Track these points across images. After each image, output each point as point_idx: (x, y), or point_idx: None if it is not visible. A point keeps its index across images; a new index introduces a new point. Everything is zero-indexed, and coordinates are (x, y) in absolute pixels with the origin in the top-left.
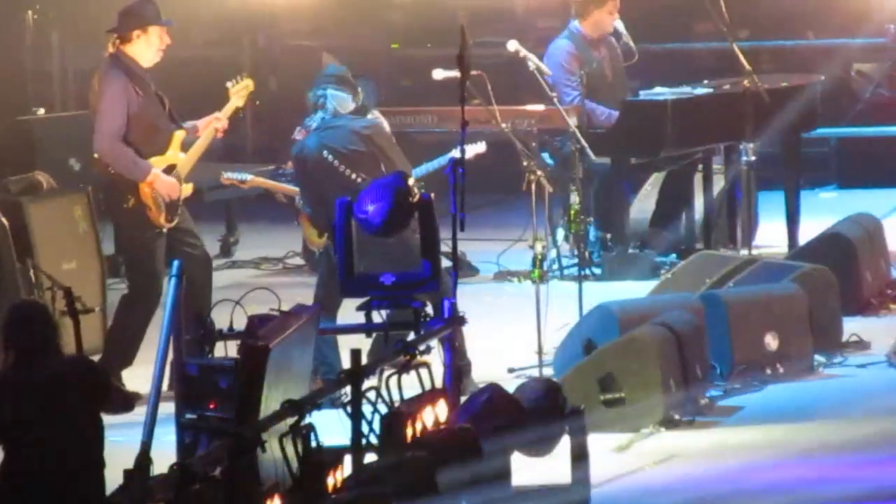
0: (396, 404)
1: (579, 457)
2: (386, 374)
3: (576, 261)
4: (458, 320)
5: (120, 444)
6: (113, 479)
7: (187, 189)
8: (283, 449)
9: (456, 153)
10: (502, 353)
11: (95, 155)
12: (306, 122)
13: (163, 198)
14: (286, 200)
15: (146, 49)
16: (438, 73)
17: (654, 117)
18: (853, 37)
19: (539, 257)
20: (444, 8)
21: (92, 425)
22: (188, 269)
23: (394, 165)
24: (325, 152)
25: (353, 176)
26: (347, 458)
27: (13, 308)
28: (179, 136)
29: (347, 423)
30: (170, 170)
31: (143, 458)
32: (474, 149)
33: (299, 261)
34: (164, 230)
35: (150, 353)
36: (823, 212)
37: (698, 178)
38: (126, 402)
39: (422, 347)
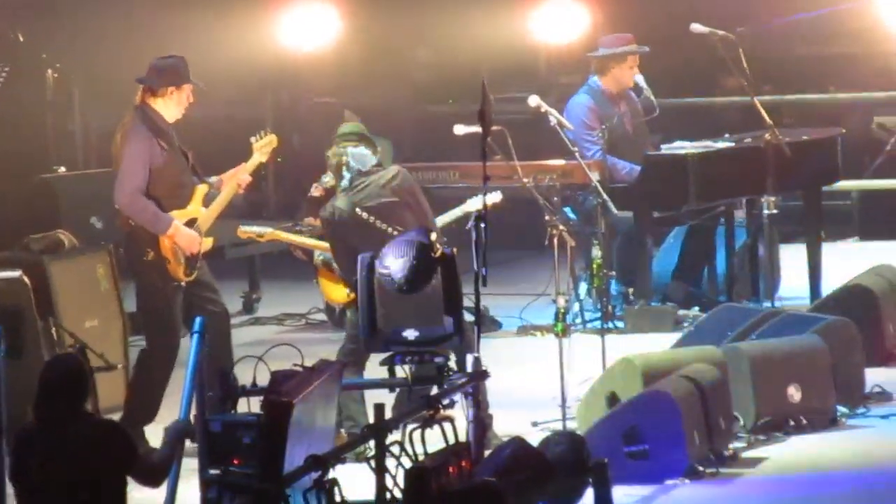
0: (420, 458)
1: None
2: (410, 428)
3: (599, 314)
4: (481, 374)
5: (143, 501)
6: None
7: (207, 243)
8: None
9: (472, 203)
10: (526, 406)
11: (117, 207)
12: (322, 180)
13: (183, 251)
14: (305, 257)
15: (175, 106)
16: (460, 129)
17: (675, 171)
18: (874, 90)
19: (562, 311)
20: (467, 64)
21: (116, 491)
22: (207, 325)
23: (422, 211)
24: (358, 210)
25: (390, 230)
26: None
27: (50, 363)
28: (202, 190)
29: (372, 477)
30: (191, 223)
31: None
32: (490, 198)
33: (322, 317)
34: (183, 284)
35: (173, 410)
36: (845, 264)
37: (720, 232)
38: (153, 476)
39: (445, 401)
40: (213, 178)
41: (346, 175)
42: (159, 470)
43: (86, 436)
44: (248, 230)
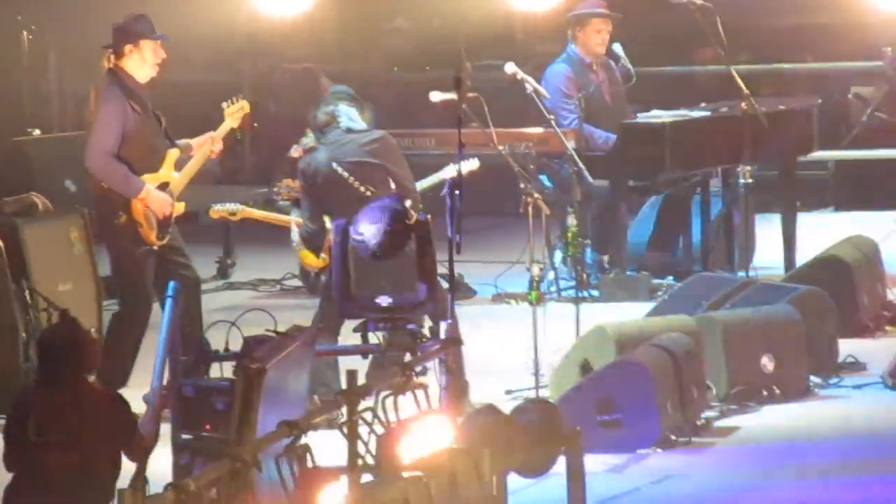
0: (393, 425)
1: (576, 478)
2: (382, 395)
3: (573, 283)
4: (454, 342)
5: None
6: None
7: (179, 208)
8: (279, 470)
9: (449, 171)
10: (499, 374)
11: (87, 167)
12: (302, 142)
13: (155, 215)
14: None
15: (140, 64)
16: (435, 96)
17: (651, 140)
18: (851, 61)
19: (536, 279)
20: (443, 32)
21: (111, 459)
22: (179, 290)
23: (401, 178)
24: (334, 164)
25: (363, 189)
26: (344, 479)
27: (51, 328)
28: (174, 154)
29: (344, 443)
30: (163, 188)
31: (139, 479)
32: (468, 165)
33: (297, 282)
34: (155, 248)
35: (145, 374)
36: (820, 234)
37: (696, 201)
38: (141, 451)
39: (418, 369)
40: (183, 142)
41: (333, 131)
42: (148, 445)
43: (88, 404)
44: (219, 209)
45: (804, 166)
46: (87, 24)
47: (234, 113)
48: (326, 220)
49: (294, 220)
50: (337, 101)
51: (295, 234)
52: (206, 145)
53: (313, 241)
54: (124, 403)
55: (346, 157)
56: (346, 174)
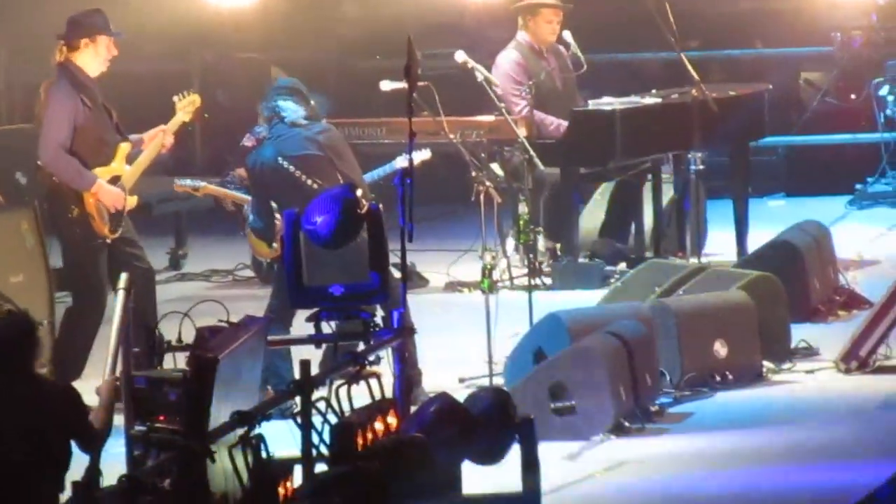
0: (346, 414)
1: (530, 465)
2: (336, 384)
3: (526, 271)
4: (407, 330)
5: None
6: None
7: (132, 201)
8: (232, 460)
9: (401, 161)
10: (452, 362)
11: (40, 163)
12: (255, 130)
13: (107, 208)
14: (234, 209)
15: (93, 58)
16: (386, 85)
17: (602, 127)
18: (801, 46)
19: (489, 267)
20: (393, 20)
21: (60, 453)
22: (132, 282)
23: (347, 170)
24: (280, 159)
25: (310, 182)
26: (298, 469)
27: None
28: (125, 148)
29: (297, 433)
30: (114, 181)
31: (92, 470)
32: (419, 156)
33: (249, 273)
34: (108, 241)
35: (98, 366)
36: (772, 220)
37: (647, 188)
38: (95, 442)
39: (371, 358)
40: (135, 137)
41: (277, 125)
42: (100, 436)
43: (37, 396)
44: (183, 184)
45: (755, 152)
46: (35, 17)
47: (186, 107)
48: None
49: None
50: (277, 96)
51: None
52: (158, 139)
53: (264, 235)
54: (76, 395)
55: (292, 152)
56: (292, 168)
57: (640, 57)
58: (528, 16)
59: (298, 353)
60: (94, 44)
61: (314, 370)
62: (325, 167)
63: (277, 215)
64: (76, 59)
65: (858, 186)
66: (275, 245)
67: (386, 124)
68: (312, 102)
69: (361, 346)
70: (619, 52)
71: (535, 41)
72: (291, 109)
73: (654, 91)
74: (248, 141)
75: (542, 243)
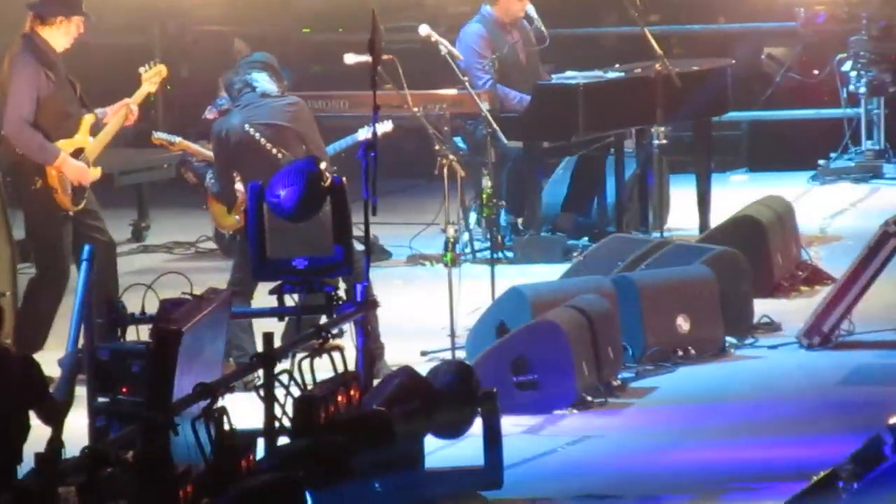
0: (309, 388)
1: (492, 439)
2: (299, 357)
3: (488, 244)
4: (370, 304)
5: (32, 427)
6: (24, 462)
7: (95, 173)
8: (195, 432)
9: (363, 133)
10: (415, 336)
11: (3, 135)
12: (217, 103)
13: (70, 181)
14: (196, 181)
15: (63, 36)
16: (350, 58)
17: (565, 101)
18: (764, 21)
19: (451, 241)
20: None
21: (17, 423)
22: (94, 254)
23: (313, 146)
24: (247, 126)
25: (275, 152)
26: (260, 441)
27: None
28: (89, 120)
29: (260, 406)
30: (77, 153)
31: (55, 442)
32: (381, 128)
33: (211, 245)
34: (71, 213)
35: (61, 338)
36: (734, 195)
37: (610, 162)
38: (56, 414)
39: (334, 331)
40: (100, 111)
41: (246, 94)
42: (62, 408)
43: None
44: (161, 136)
45: (718, 127)
46: None
47: (152, 77)
48: (238, 183)
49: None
50: (250, 69)
51: (210, 179)
52: (122, 111)
53: (223, 199)
54: (36, 365)
55: (260, 120)
56: (258, 136)
57: (603, 31)
58: None
59: (261, 325)
60: (69, 22)
61: (277, 343)
62: (292, 139)
63: (239, 184)
64: (43, 33)
65: (821, 162)
66: (237, 217)
67: (349, 97)
68: (285, 81)
69: (324, 320)
70: (582, 27)
71: (503, 16)
72: (264, 80)
73: (617, 66)
74: (209, 113)
75: (504, 217)
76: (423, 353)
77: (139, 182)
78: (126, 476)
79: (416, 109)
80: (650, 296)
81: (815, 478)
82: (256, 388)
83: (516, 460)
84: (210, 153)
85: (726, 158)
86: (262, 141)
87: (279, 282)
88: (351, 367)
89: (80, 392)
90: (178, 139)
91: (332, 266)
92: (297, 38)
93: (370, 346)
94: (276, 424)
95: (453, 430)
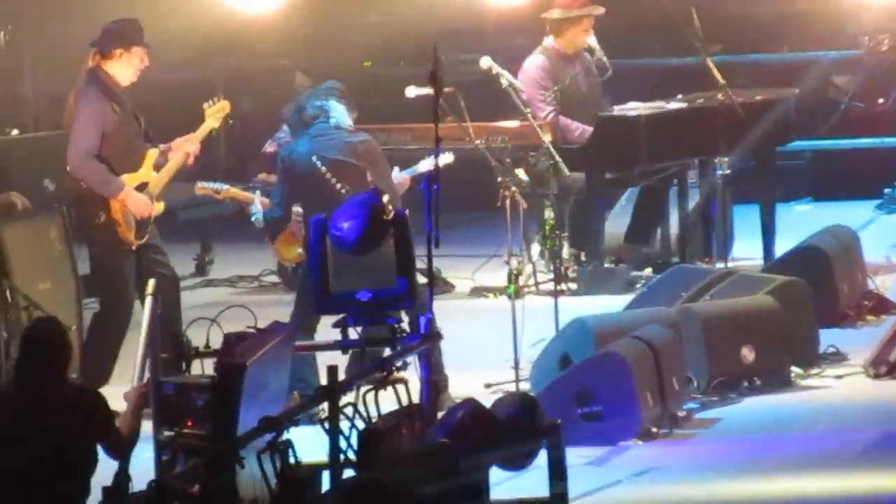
0: (373, 420)
1: (557, 471)
2: (363, 390)
3: (551, 276)
4: (434, 336)
5: (99, 461)
6: (92, 496)
7: (158, 207)
8: (260, 465)
9: (424, 165)
10: (479, 368)
11: (68, 169)
12: (277, 136)
13: (134, 215)
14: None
15: (126, 68)
16: (411, 91)
17: (628, 132)
18: (828, 50)
19: (514, 273)
20: (416, 26)
21: (86, 457)
22: (157, 288)
23: (378, 180)
24: (314, 158)
25: (339, 186)
26: (325, 474)
27: (32, 326)
28: (153, 154)
29: (325, 439)
30: (142, 188)
31: (122, 476)
32: (443, 159)
33: (275, 278)
34: (135, 247)
35: (126, 372)
36: (799, 225)
37: (673, 193)
38: (122, 448)
39: (398, 363)
40: (163, 147)
41: (319, 124)
42: (128, 442)
43: (64, 400)
44: (205, 186)
45: (782, 156)
46: (61, 25)
47: (215, 113)
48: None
49: (259, 200)
50: (328, 96)
51: (256, 211)
52: (185, 146)
53: (274, 226)
54: (102, 400)
55: (329, 154)
56: (324, 169)
57: (666, 62)
58: (567, 24)
59: (324, 359)
60: (129, 54)
61: (341, 376)
62: (359, 176)
63: (297, 211)
64: (107, 67)
65: (887, 190)
66: (299, 250)
67: (411, 130)
68: (356, 113)
69: (388, 352)
70: (644, 57)
71: (566, 47)
72: (340, 112)
73: (679, 96)
74: (269, 147)
75: (567, 249)
76: (487, 386)
77: (202, 216)
78: None
79: (478, 141)
80: (714, 326)
81: None
82: (321, 421)
83: (581, 492)
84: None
85: (790, 188)
86: (328, 175)
87: (343, 314)
88: (415, 399)
89: (146, 426)
90: (224, 187)
91: (396, 298)
92: (357, 70)
93: (434, 379)
94: (341, 457)
95: (518, 462)
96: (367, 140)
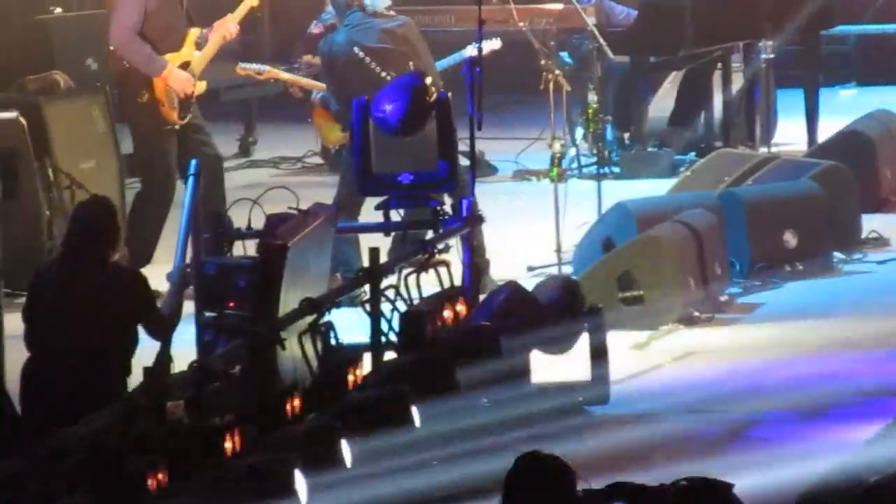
0: (415, 302)
1: (598, 354)
2: (405, 272)
3: (594, 159)
4: (476, 219)
5: (140, 342)
6: (133, 376)
7: (200, 86)
8: (302, 347)
9: (471, 50)
10: (521, 251)
11: (111, 48)
12: (322, 17)
13: (176, 94)
14: (301, 94)
15: None
16: None
17: (672, 16)
18: None
19: (557, 156)
20: None
21: (127, 336)
22: (200, 168)
23: (422, 63)
24: (355, 49)
25: (382, 73)
26: (367, 356)
27: (83, 204)
28: (195, 33)
29: (367, 321)
30: (184, 67)
31: (163, 356)
32: (489, 45)
33: (318, 160)
34: (177, 127)
35: (168, 252)
36: (843, 109)
37: (717, 77)
38: (164, 328)
39: (440, 246)
40: (204, 30)
41: (355, 13)
42: (169, 322)
43: (107, 280)
44: (246, 67)
45: (827, 40)
46: None
47: None
48: None
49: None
50: None
51: (316, 94)
52: (224, 26)
53: (341, 119)
54: (144, 280)
55: (367, 42)
56: (367, 59)
57: None
58: None
59: (367, 241)
60: None
61: (383, 258)
62: (401, 61)
63: None
64: None
65: None
66: (343, 132)
67: (455, 12)
68: None
69: (430, 235)
70: None
71: None
72: None
73: None
74: (315, 28)
75: (610, 132)
76: (530, 269)
77: (246, 97)
78: (233, 391)
79: (521, 24)
80: (757, 211)
81: None
82: (363, 304)
83: (622, 376)
84: (300, 79)
85: (835, 72)
86: (372, 64)
87: (385, 197)
88: (457, 282)
89: (188, 307)
90: (265, 68)
91: (438, 181)
92: None
93: (476, 261)
94: (383, 339)
95: (559, 345)
96: (406, 23)
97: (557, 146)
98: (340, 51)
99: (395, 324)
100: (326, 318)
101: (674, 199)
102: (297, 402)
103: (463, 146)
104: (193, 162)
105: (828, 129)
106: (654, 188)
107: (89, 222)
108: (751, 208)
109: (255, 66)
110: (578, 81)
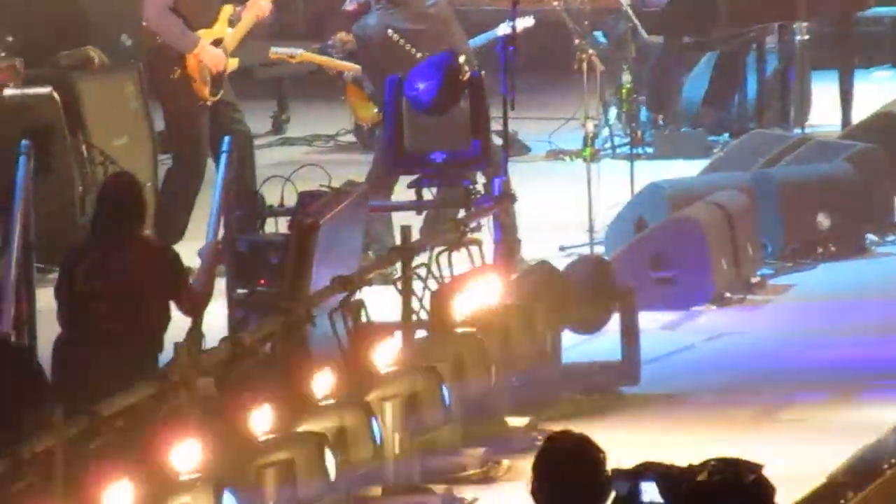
0: (447, 281)
1: (630, 334)
2: (436, 250)
3: (628, 140)
4: (508, 198)
5: (172, 318)
6: (165, 352)
7: (233, 63)
8: (333, 324)
9: (504, 28)
10: (553, 231)
11: (144, 23)
12: None
13: (209, 70)
14: (335, 73)
15: None
16: None
17: None
18: None
19: (591, 136)
20: None
21: (159, 312)
22: (232, 145)
23: (454, 42)
24: (389, 31)
25: (417, 54)
26: (397, 334)
27: (109, 181)
28: (227, 10)
29: (398, 299)
30: (216, 43)
31: (194, 332)
32: (523, 23)
33: (351, 138)
34: (209, 103)
35: (200, 229)
36: (877, 91)
37: (752, 58)
38: (196, 306)
39: (472, 225)
40: (238, 7)
41: None
42: (201, 299)
43: (139, 256)
44: (279, 51)
45: (862, 23)
46: None
47: None
48: None
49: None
50: None
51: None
52: (258, 4)
53: (376, 101)
54: (176, 256)
55: (401, 24)
56: (401, 41)
57: None
58: None
59: (399, 219)
60: None
61: (415, 236)
62: (434, 41)
63: None
64: None
65: None
66: (376, 110)
67: None
68: None
69: (462, 213)
70: None
71: None
72: None
73: None
74: (349, 4)
75: (644, 112)
76: (561, 249)
77: (279, 75)
78: (264, 367)
79: (556, 3)
80: (790, 192)
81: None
82: (394, 281)
83: (653, 356)
84: (332, 62)
85: (870, 54)
86: (407, 46)
87: (417, 175)
88: (488, 261)
89: (220, 283)
90: (298, 52)
91: (470, 160)
92: None
93: (507, 241)
94: (414, 317)
95: (591, 325)
96: (439, 2)
97: (591, 126)
98: (374, 34)
99: (426, 302)
100: (358, 295)
101: (707, 179)
102: (327, 380)
103: (496, 125)
104: (227, 139)
105: (862, 111)
106: (687, 169)
107: (116, 201)
108: (784, 190)
109: (287, 50)
110: (613, 62)
